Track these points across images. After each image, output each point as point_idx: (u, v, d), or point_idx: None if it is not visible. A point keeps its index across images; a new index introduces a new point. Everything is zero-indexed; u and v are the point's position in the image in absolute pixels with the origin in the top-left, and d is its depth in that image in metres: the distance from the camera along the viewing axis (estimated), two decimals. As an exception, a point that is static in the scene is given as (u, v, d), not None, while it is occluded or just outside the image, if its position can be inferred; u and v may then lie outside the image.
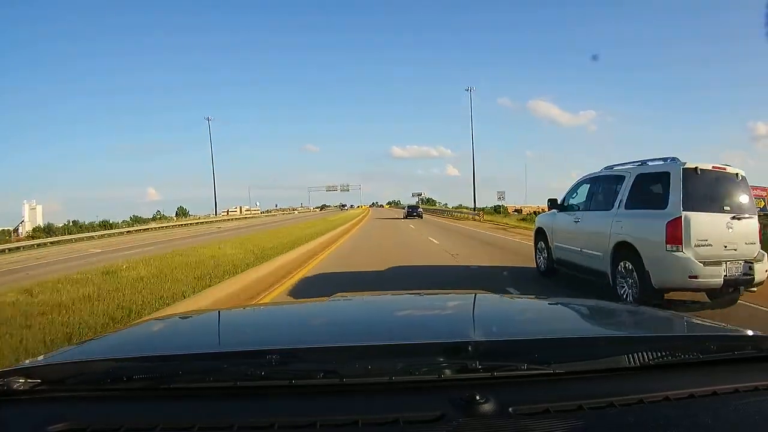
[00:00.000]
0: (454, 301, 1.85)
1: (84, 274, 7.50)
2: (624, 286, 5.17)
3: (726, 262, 4.70)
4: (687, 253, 4.64)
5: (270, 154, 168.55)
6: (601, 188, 6.25)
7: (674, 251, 4.67)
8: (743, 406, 0.79)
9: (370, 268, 8.90)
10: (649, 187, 5.28)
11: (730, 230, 4.77)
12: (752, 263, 4.80)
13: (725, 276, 4.66)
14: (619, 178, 5.72)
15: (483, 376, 0.85)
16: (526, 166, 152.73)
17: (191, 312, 2.59)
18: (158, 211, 70.61)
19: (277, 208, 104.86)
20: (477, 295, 1.87)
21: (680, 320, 1.52)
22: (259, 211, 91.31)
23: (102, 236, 36.37)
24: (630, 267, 5.09)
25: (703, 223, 4.71)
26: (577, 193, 6.92)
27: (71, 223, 51.42)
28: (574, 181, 7.18)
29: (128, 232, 40.53)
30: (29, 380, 0.85)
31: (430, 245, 13.94)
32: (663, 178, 4.99)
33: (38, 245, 30.97)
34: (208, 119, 62.07)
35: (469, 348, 0.87)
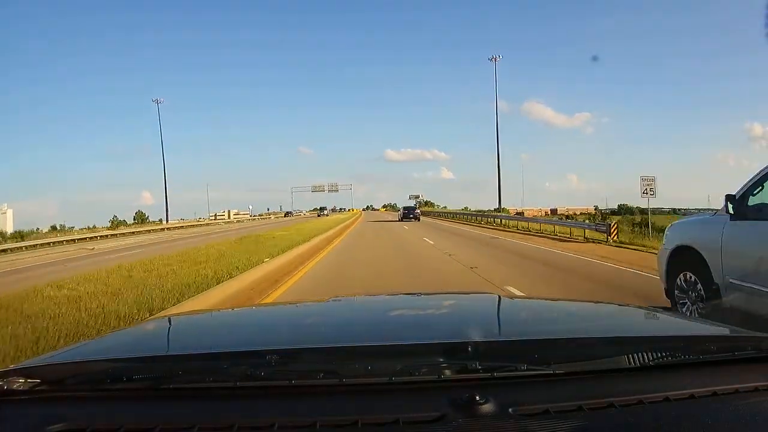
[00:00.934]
0: (453, 302, 1.85)
1: None
2: None
3: None
4: None
5: (263, 155, 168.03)
6: None
7: None
8: (743, 407, 0.79)
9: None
10: None
11: None
12: None
13: None
14: None
15: (483, 376, 0.85)
16: (523, 168, 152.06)
17: (191, 312, 2.60)
18: (115, 216, 61.30)
19: (269, 211, 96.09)
20: (477, 295, 1.87)
21: (680, 320, 1.52)
22: (248, 215, 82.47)
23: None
24: None
25: None
26: None
27: (56, 228, 47.45)
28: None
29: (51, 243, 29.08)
30: (29, 380, 0.85)
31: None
32: None
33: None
34: (156, 101, 52.30)
35: (469, 348, 0.87)
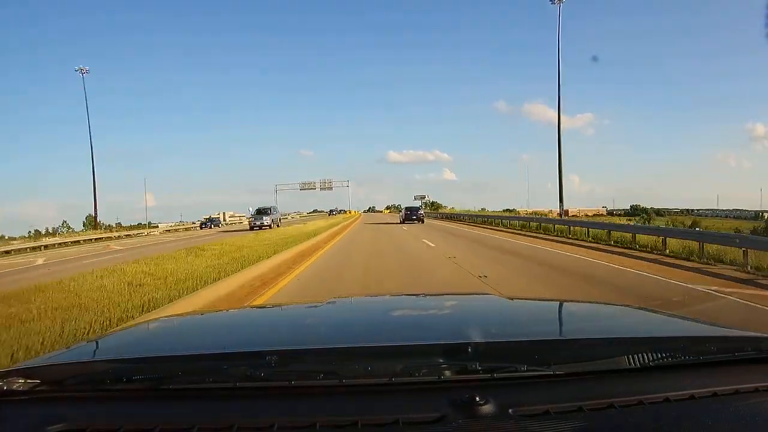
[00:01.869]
0: (454, 302, 1.85)
1: None
2: None
3: None
4: None
5: (265, 157, 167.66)
6: None
7: None
8: (744, 408, 0.79)
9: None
10: None
11: None
12: None
13: None
14: None
15: (483, 377, 0.85)
16: (528, 169, 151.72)
17: (191, 312, 2.59)
18: (64, 221, 51.03)
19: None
20: (477, 296, 1.87)
21: (680, 321, 1.52)
22: (243, 216, 74.51)
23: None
24: None
25: None
26: None
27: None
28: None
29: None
30: (29, 381, 0.85)
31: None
32: None
33: None
34: (81, 71, 38.43)
35: (469, 349, 0.87)
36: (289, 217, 69.40)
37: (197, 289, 6.23)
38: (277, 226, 32.70)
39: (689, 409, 0.79)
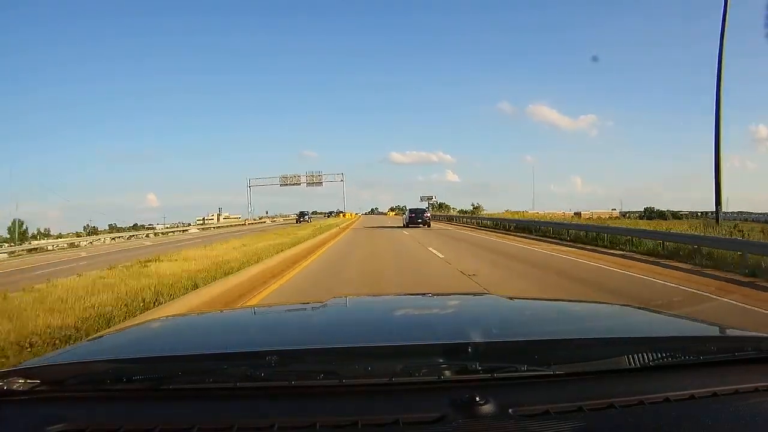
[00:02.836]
0: (454, 302, 1.85)
1: None
2: None
3: None
4: None
5: (267, 157, 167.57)
6: None
7: None
8: (744, 407, 0.79)
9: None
10: None
11: None
12: None
13: None
14: None
15: (483, 377, 0.84)
16: (534, 170, 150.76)
17: (191, 313, 2.60)
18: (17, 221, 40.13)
19: (267, 214, 78.56)
20: (477, 296, 1.88)
21: (680, 321, 1.52)
22: (239, 217, 69.28)
23: None
24: None
25: None
26: None
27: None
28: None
29: None
30: (29, 381, 0.84)
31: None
32: None
33: None
34: None
35: (469, 349, 0.87)
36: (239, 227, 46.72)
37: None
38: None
39: (689, 409, 0.79)
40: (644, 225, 18.88)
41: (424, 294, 2.16)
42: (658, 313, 1.60)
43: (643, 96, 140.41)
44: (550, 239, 17.54)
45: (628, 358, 0.90)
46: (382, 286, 7.57)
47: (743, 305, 5.76)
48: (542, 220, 24.96)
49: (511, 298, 1.87)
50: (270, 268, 9.25)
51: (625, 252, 12.40)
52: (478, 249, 14.25)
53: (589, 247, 14.06)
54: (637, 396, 0.80)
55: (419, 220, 27.77)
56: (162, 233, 44.78)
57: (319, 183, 62.55)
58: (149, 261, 9.87)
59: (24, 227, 38.71)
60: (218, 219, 68.32)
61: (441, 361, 0.87)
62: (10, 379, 0.84)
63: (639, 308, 1.74)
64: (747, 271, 8.19)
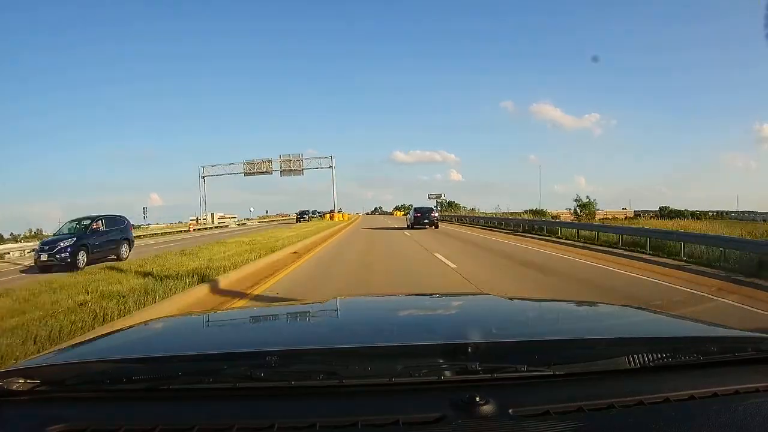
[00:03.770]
0: (454, 303, 1.85)
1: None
2: None
3: None
4: None
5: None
6: None
7: None
8: (744, 408, 0.79)
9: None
10: None
11: None
12: None
13: None
14: None
15: (483, 377, 0.84)
16: (535, 170, 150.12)
17: (191, 313, 2.60)
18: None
19: (267, 214, 77.32)
20: (477, 296, 1.88)
21: (680, 321, 1.52)
22: (234, 217, 62.30)
23: None
24: None
25: None
26: None
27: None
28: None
29: None
30: (28, 381, 0.84)
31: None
32: None
33: None
34: None
35: (469, 349, 0.87)
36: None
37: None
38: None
39: (689, 409, 0.79)
40: (694, 227, 16.07)
41: (424, 294, 2.16)
42: (659, 313, 1.60)
43: (646, 96, 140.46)
44: (590, 245, 13.78)
45: (628, 358, 0.90)
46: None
47: None
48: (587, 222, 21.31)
49: (511, 299, 1.87)
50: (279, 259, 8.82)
51: (680, 262, 9.66)
52: (519, 266, 9.51)
53: (647, 256, 10.77)
54: (637, 396, 0.80)
55: (425, 221, 25.12)
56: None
57: (299, 171, 42.37)
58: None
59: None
60: (212, 219, 58.86)
61: (441, 361, 0.87)
62: (10, 379, 0.84)
63: (639, 308, 1.74)
64: None
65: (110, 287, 6.50)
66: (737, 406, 0.80)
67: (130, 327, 1.64)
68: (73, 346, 1.53)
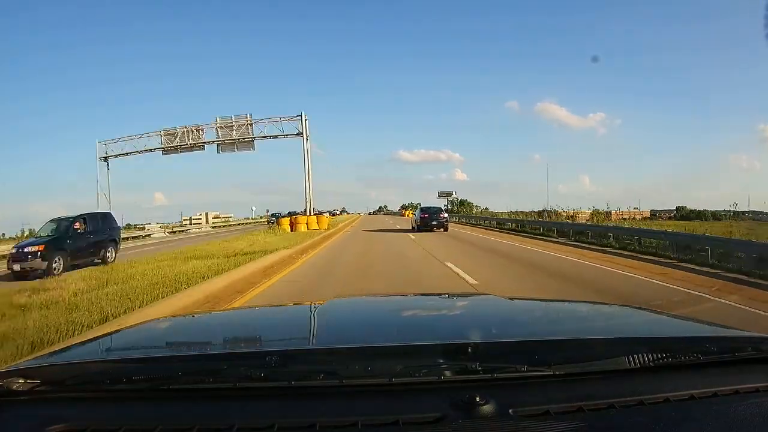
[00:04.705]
0: (454, 303, 1.85)
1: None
2: None
3: None
4: None
5: (273, 158, 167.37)
6: None
7: None
8: (744, 408, 0.79)
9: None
10: None
11: None
12: None
13: None
14: None
15: (483, 377, 0.84)
16: (538, 170, 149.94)
17: (190, 313, 2.60)
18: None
19: (268, 213, 70.56)
20: (477, 296, 1.87)
21: (680, 321, 1.52)
22: (230, 217, 58.61)
23: None
24: None
25: None
26: None
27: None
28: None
29: None
30: (28, 381, 0.84)
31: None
32: None
33: None
34: None
35: (469, 349, 0.87)
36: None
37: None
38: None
39: (689, 409, 0.79)
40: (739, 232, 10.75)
41: (424, 294, 2.16)
42: (659, 313, 1.60)
43: (649, 96, 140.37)
44: (618, 251, 12.01)
45: (628, 358, 0.89)
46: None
47: None
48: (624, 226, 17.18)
49: (511, 299, 1.87)
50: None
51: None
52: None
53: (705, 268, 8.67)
54: (637, 396, 0.80)
55: (433, 222, 21.51)
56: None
57: (247, 143, 26.67)
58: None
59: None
60: (207, 219, 54.52)
61: (441, 361, 0.87)
62: (10, 379, 0.84)
63: (639, 308, 1.74)
64: None
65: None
66: (737, 406, 0.80)
67: (130, 327, 1.64)
68: (73, 346, 1.53)
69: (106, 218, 14.20)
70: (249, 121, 27.01)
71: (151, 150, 28.37)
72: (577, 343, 1.02)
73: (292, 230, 23.32)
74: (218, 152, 27.62)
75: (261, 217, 55.97)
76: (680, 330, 1.32)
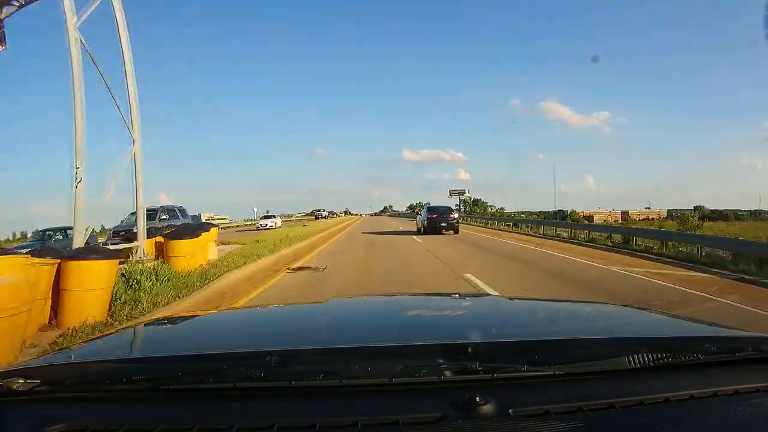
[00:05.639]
0: (454, 303, 1.85)
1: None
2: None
3: None
4: None
5: (279, 158, 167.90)
6: None
7: None
8: (744, 408, 0.79)
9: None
10: None
11: None
12: None
13: None
14: None
15: (483, 377, 0.84)
16: (542, 170, 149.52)
17: (190, 313, 2.60)
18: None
19: (268, 213, 68.36)
20: (477, 296, 1.87)
21: (680, 321, 1.52)
22: (225, 218, 55.32)
23: None
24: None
25: None
26: None
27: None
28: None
29: None
30: (28, 381, 0.84)
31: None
32: None
33: None
34: None
35: (470, 349, 0.87)
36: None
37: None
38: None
39: (689, 409, 0.79)
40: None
41: (424, 294, 2.16)
42: (659, 313, 1.60)
43: (653, 96, 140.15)
44: (655, 255, 10.84)
45: (628, 358, 0.89)
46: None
47: None
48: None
49: (511, 299, 1.87)
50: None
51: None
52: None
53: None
54: (638, 396, 0.80)
55: (442, 224, 18.93)
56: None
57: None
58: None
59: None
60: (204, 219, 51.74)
61: (441, 361, 0.87)
62: (10, 379, 0.84)
63: (639, 308, 1.74)
64: None
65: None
66: (737, 406, 0.80)
67: (130, 327, 1.64)
68: (73, 346, 1.53)
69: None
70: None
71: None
72: (577, 343, 1.02)
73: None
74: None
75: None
76: (680, 330, 1.32)
